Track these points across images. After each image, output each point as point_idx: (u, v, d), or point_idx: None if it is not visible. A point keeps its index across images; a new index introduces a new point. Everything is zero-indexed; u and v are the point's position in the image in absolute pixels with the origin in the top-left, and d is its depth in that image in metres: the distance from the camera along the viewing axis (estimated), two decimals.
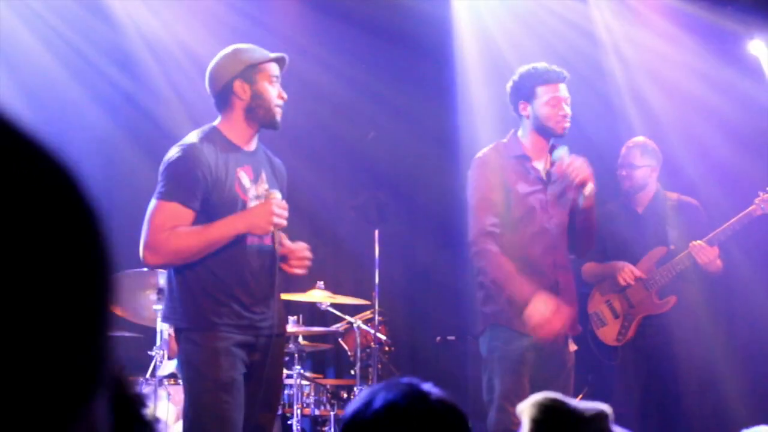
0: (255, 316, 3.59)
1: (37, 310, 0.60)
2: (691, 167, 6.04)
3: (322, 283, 5.69)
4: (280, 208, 3.59)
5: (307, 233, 6.59)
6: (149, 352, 5.13)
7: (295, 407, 5.42)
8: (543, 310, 4.08)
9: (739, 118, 6.13)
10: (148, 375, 5.08)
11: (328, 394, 5.82)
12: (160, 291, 5.03)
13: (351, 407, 1.51)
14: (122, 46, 6.25)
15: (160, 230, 3.49)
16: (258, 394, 3.57)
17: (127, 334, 5.31)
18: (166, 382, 5.08)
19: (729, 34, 6.05)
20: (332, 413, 5.66)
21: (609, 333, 5.24)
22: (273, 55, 3.74)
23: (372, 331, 5.62)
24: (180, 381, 4.08)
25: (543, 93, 4.30)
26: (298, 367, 5.50)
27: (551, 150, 4.37)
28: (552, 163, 4.36)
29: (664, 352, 5.11)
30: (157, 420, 1.24)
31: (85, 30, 6.16)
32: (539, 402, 1.63)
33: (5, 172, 0.60)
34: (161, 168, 3.60)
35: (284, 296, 4.36)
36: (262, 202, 3.64)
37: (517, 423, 1.66)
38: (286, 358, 5.38)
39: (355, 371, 5.82)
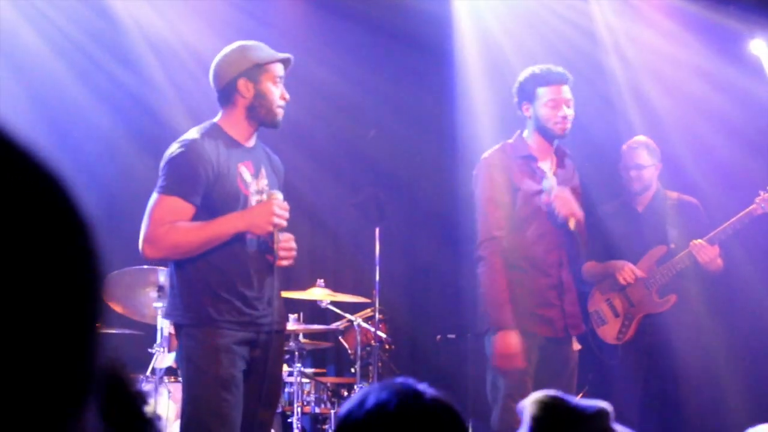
0: (256, 313, 3.59)
1: (26, 317, 0.60)
2: (692, 166, 6.04)
3: (322, 280, 5.69)
4: (281, 209, 3.59)
5: (308, 231, 6.62)
6: (150, 350, 5.13)
7: (295, 405, 5.42)
8: (510, 345, 4.12)
9: (740, 118, 6.13)
10: (148, 372, 5.08)
11: (329, 392, 5.82)
12: (160, 288, 5.04)
13: (345, 407, 1.50)
14: (126, 45, 6.24)
15: (160, 224, 3.50)
16: (258, 390, 3.58)
17: (127, 331, 5.31)
18: (166, 379, 5.09)
19: (730, 34, 6.04)
20: (332, 411, 5.66)
21: (609, 332, 5.24)
22: (280, 55, 3.73)
23: (372, 329, 5.61)
24: (180, 378, 4.08)
25: (543, 94, 4.35)
26: (299, 364, 5.50)
27: (557, 151, 4.42)
28: (558, 164, 4.40)
29: (664, 351, 5.11)
30: (157, 417, 1.24)
31: (90, 29, 6.15)
32: (540, 399, 1.63)
33: None
34: (162, 163, 3.61)
35: (284, 294, 4.35)
36: (264, 201, 3.64)
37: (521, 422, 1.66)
38: (287, 356, 5.39)
39: (355, 369, 5.81)
